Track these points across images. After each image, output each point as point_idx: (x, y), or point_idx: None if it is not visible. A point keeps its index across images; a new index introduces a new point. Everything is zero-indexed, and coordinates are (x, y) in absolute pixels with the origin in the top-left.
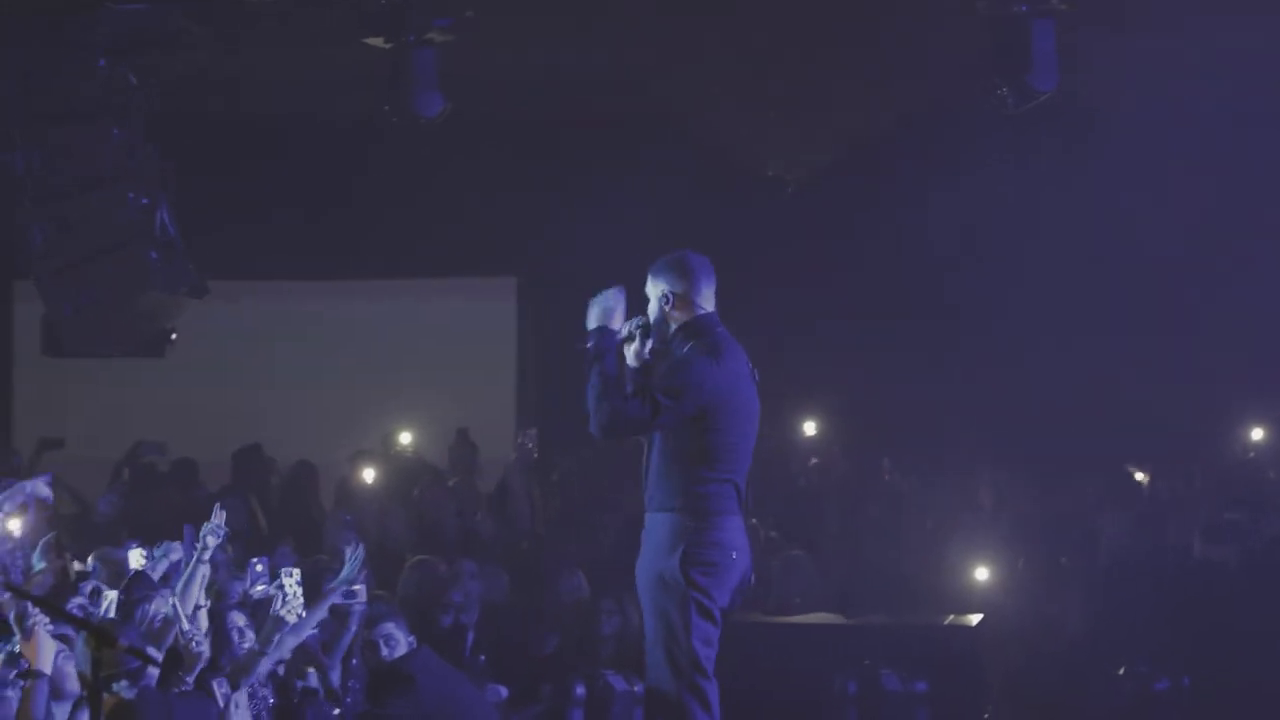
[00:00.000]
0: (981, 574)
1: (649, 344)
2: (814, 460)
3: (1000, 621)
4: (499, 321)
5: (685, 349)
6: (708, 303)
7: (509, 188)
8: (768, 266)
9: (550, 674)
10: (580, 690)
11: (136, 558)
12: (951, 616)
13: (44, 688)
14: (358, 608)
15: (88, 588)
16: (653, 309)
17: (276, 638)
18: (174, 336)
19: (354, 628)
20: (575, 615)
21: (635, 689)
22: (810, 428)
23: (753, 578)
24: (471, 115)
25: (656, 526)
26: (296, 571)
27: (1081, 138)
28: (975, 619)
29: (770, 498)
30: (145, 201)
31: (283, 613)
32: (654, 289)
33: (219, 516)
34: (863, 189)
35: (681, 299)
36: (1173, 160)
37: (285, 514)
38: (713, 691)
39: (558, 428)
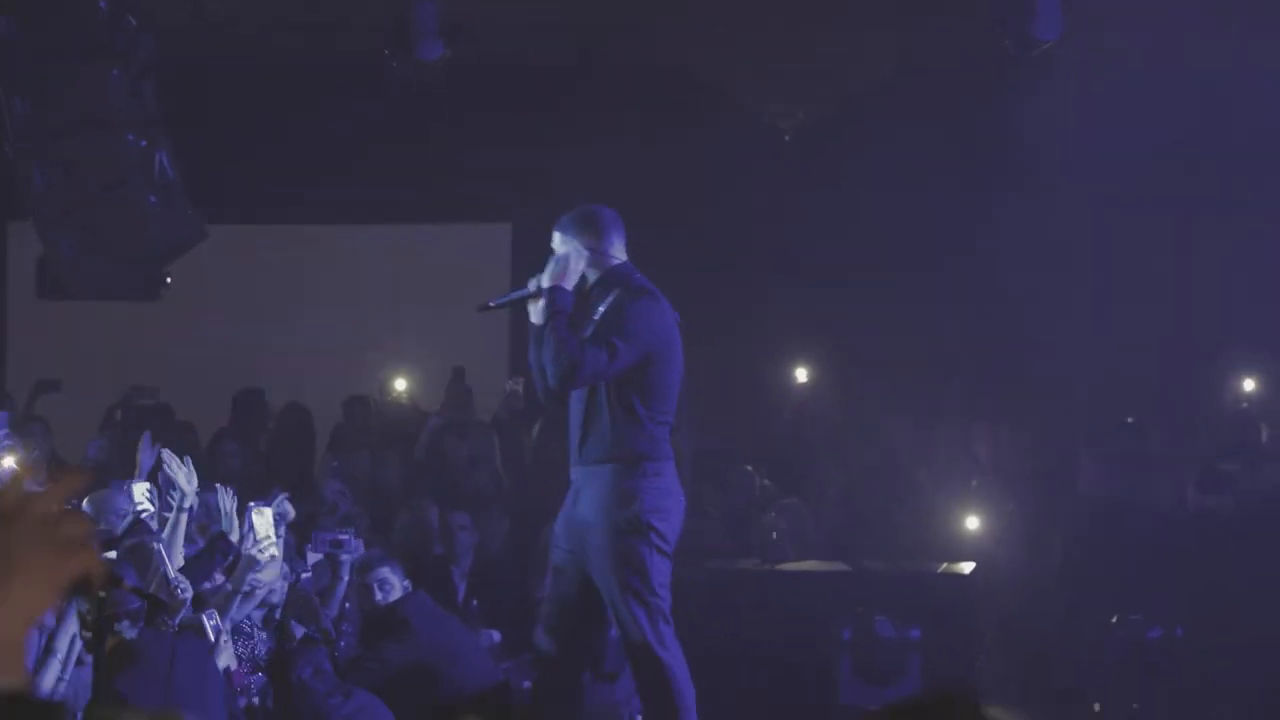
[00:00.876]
0: (972, 523)
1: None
2: (806, 408)
3: (993, 570)
4: (493, 269)
5: (613, 296)
6: (620, 254)
7: (504, 135)
8: (759, 211)
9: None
10: None
11: (140, 492)
12: (945, 564)
13: (34, 637)
14: (345, 557)
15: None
16: (556, 265)
17: (249, 576)
18: (169, 280)
19: (345, 576)
20: None
21: None
22: (802, 374)
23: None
24: (468, 61)
25: (601, 477)
26: (268, 510)
27: (1071, 89)
28: (968, 567)
29: (762, 446)
30: (144, 144)
31: (253, 551)
32: (562, 245)
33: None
34: (858, 135)
35: (597, 254)
36: (1160, 106)
37: (276, 458)
38: (673, 633)
39: None
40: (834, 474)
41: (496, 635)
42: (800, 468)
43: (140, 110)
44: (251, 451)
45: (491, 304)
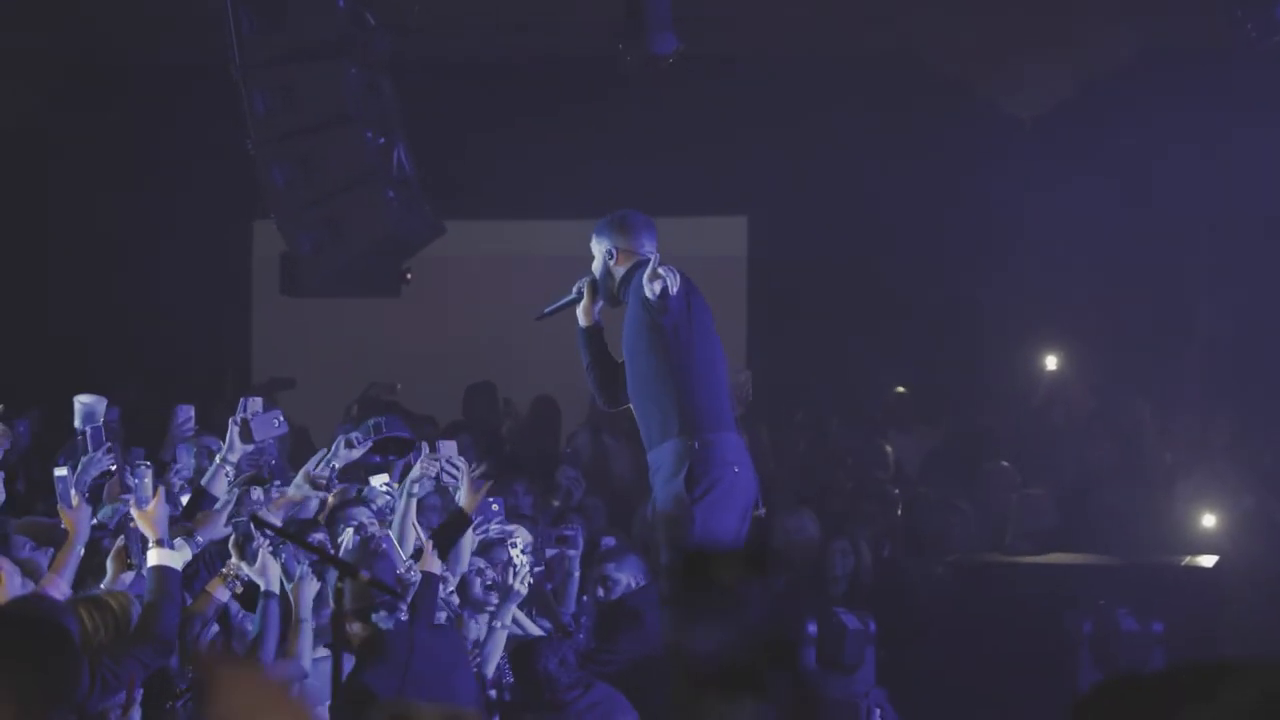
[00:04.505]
0: (1209, 520)
1: (599, 304)
2: (1056, 395)
3: (1234, 565)
4: (729, 262)
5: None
6: (650, 253)
7: (740, 126)
8: (1005, 202)
9: (782, 612)
10: (812, 628)
11: (379, 483)
12: (1188, 558)
13: (274, 607)
14: (571, 552)
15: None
16: (597, 267)
17: (509, 608)
18: (409, 277)
19: (575, 572)
20: (803, 554)
21: (869, 627)
22: (1051, 362)
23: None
24: (702, 52)
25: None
26: (520, 540)
27: None
28: (1211, 560)
29: (1011, 435)
30: (382, 141)
31: (515, 584)
32: (597, 248)
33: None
34: (1100, 121)
35: (625, 253)
36: None
37: (526, 451)
38: None
39: (791, 369)
40: (1074, 464)
41: None
42: (1045, 457)
43: (378, 107)
44: (484, 444)
45: (545, 311)
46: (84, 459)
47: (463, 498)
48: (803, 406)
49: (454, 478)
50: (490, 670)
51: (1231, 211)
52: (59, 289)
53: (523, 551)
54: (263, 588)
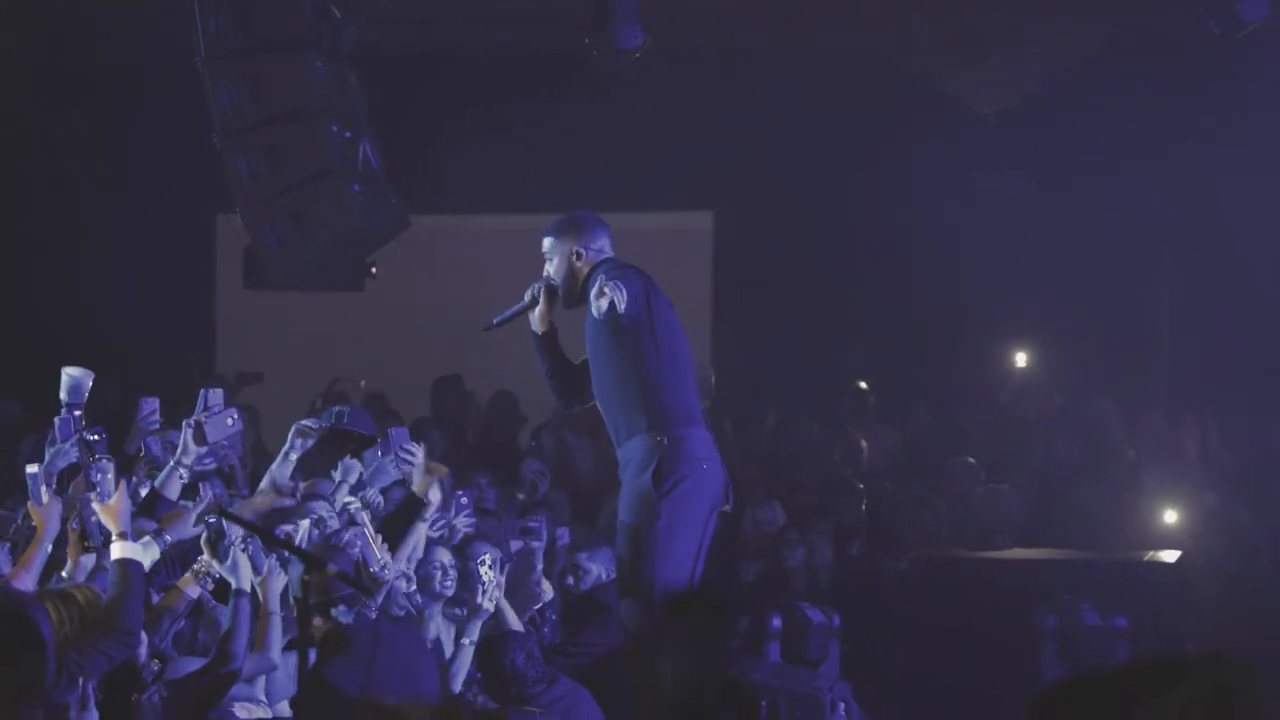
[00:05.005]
0: (1170, 517)
1: (555, 306)
2: (1025, 392)
3: (1197, 560)
4: (695, 257)
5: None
6: (606, 251)
7: (706, 121)
8: (971, 197)
9: (747, 605)
10: (777, 622)
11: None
12: (1151, 553)
13: (245, 605)
14: (536, 544)
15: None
16: (556, 269)
17: (476, 625)
18: (374, 271)
19: (539, 564)
20: (774, 544)
21: (833, 621)
22: (1020, 359)
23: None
24: (668, 47)
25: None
26: (488, 556)
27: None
28: (1174, 555)
29: (978, 431)
30: (348, 135)
31: (483, 602)
32: (558, 250)
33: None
34: (1064, 119)
35: (589, 253)
36: None
37: (486, 445)
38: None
39: (756, 364)
40: (1043, 458)
41: None
42: (1011, 453)
43: (344, 101)
44: (453, 438)
45: (495, 321)
46: (50, 450)
47: (415, 481)
48: (771, 401)
49: (409, 463)
50: (458, 686)
51: (1198, 208)
52: (20, 282)
53: (490, 567)
54: (234, 586)
